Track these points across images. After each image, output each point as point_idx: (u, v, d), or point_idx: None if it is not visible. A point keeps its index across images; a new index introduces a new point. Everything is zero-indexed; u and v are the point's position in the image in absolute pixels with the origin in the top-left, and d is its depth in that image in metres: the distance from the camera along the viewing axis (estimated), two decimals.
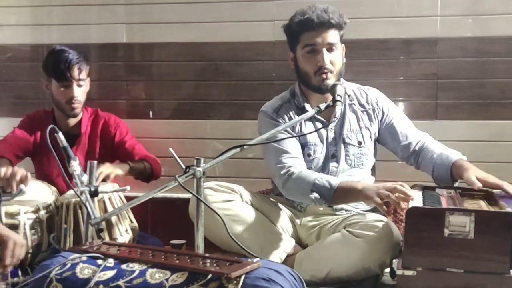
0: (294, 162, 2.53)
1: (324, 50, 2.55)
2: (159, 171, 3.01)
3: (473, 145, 2.96)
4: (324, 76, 2.55)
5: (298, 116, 2.47)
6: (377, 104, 2.69)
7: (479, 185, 2.31)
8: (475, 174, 2.36)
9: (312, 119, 2.61)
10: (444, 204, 2.20)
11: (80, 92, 2.92)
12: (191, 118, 3.26)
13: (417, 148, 2.63)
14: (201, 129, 3.25)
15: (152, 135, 3.24)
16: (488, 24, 2.94)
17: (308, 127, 2.63)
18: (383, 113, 2.69)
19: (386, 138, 2.69)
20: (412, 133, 2.67)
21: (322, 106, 2.32)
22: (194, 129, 3.25)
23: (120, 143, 3.02)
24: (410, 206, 2.09)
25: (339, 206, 2.63)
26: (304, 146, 2.61)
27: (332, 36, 2.56)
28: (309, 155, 2.61)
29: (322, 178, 2.43)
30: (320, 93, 2.59)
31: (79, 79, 2.90)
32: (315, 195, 2.40)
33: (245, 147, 2.12)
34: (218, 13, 3.18)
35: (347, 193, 2.39)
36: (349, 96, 2.64)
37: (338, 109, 2.32)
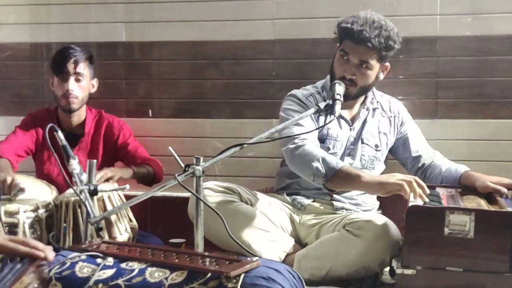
0: (310, 136, 2.55)
1: (355, 63, 2.57)
2: (161, 174, 3.01)
3: (472, 144, 2.97)
4: (346, 85, 2.55)
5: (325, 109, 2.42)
6: (398, 113, 2.78)
7: (503, 190, 2.33)
8: (488, 180, 2.38)
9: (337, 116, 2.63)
10: (444, 203, 2.20)
11: (76, 86, 2.91)
12: (191, 117, 3.26)
13: (426, 163, 2.69)
14: (201, 128, 3.24)
15: (151, 134, 3.23)
16: (487, 23, 2.94)
17: (332, 123, 2.64)
18: (402, 122, 2.77)
19: (398, 147, 2.76)
20: (425, 148, 2.74)
21: (322, 105, 2.35)
22: (194, 128, 3.25)
23: (122, 146, 3.02)
24: (410, 204, 2.09)
25: (339, 205, 2.63)
26: (324, 139, 2.65)
27: (369, 55, 2.56)
28: (328, 148, 2.64)
29: (330, 156, 2.46)
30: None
31: (76, 73, 2.90)
32: (317, 165, 2.40)
33: (244, 146, 2.12)
34: (218, 12, 3.17)
35: (348, 177, 2.38)
36: (377, 102, 2.75)
37: (338, 108, 2.34)
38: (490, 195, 2.33)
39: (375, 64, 2.59)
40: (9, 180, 2.47)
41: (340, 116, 2.63)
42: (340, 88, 2.41)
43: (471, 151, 2.90)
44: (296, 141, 2.52)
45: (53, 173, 2.96)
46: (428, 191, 2.24)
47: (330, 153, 2.62)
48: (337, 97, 2.39)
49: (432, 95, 3.02)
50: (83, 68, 2.93)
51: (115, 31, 3.29)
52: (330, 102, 2.38)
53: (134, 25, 3.28)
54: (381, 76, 2.68)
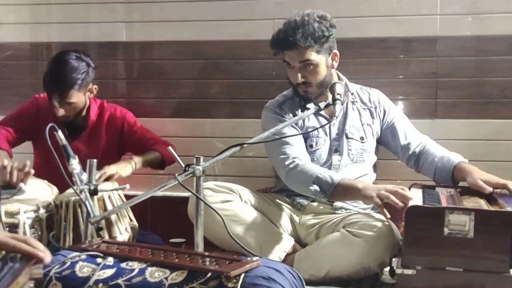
0: (299, 154, 2.57)
1: (298, 67, 2.60)
2: (171, 157, 2.96)
3: (472, 144, 2.97)
4: (303, 89, 2.63)
5: (302, 112, 2.52)
6: (379, 103, 2.75)
7: (489, 189, 2.32)
8: (479, 177, 2.37)
9: (315, 113, 2.63)
10: (444, 203, 2.20)
11: (65, 111, 2.84)
12: (191, 116, 3.26)
13: (417, 150, 2.68)
14: (201, 127, 3.24)
15: None
16: (487, 23, 2.94)
17: (311, 121, 2.67)
18: (384, 112, 2.74)
19: (387, 137, 2.74)
20: (413, 134, 2.72)
21: (322, 105, 2.38)
22: (194, 128, 3.25)
23: (129, 134, 3.00)
24: (410, 205, 2.09)
25: (339, 205, 2.64)
26: (306, 138, 2.66)
27: (305, 54, 2.58)
28: (311, 146, 2.65)
29: (325, 173, 2.47)
30: (306, 102, 2.66)
31: (68, 103, 2.83)
32: (315, 187, 2.44)
33: (244, 145, 2.13)
34: (218, 11, 3.17)
35: (347, 190, 2.42)
36: (352, 94, 2.72)
37: (338, 107, 2.36)
38: (490, 195, 2.33)
39: (317, 58, 2.60)
40: (8, 167, 2.42)
41: (319, 114, 2.65)
42: (340, 88, 2.42)
43: (470, 151, 2.89)
44: (286, 163, 2.54)
45: (52, 160, 2.89)
46: (411, 197, 2.24)
47: (314, 150, 2.64)
48: (337, 97, 2.39)
49: (432, 95, 3.02)
50: (72, 96, 2.82)
51: (116, 30, 3.30)
52: (330, 102, 2.39)
53: (135, 25, 3.29)
54: (335, 64, 2.68)
